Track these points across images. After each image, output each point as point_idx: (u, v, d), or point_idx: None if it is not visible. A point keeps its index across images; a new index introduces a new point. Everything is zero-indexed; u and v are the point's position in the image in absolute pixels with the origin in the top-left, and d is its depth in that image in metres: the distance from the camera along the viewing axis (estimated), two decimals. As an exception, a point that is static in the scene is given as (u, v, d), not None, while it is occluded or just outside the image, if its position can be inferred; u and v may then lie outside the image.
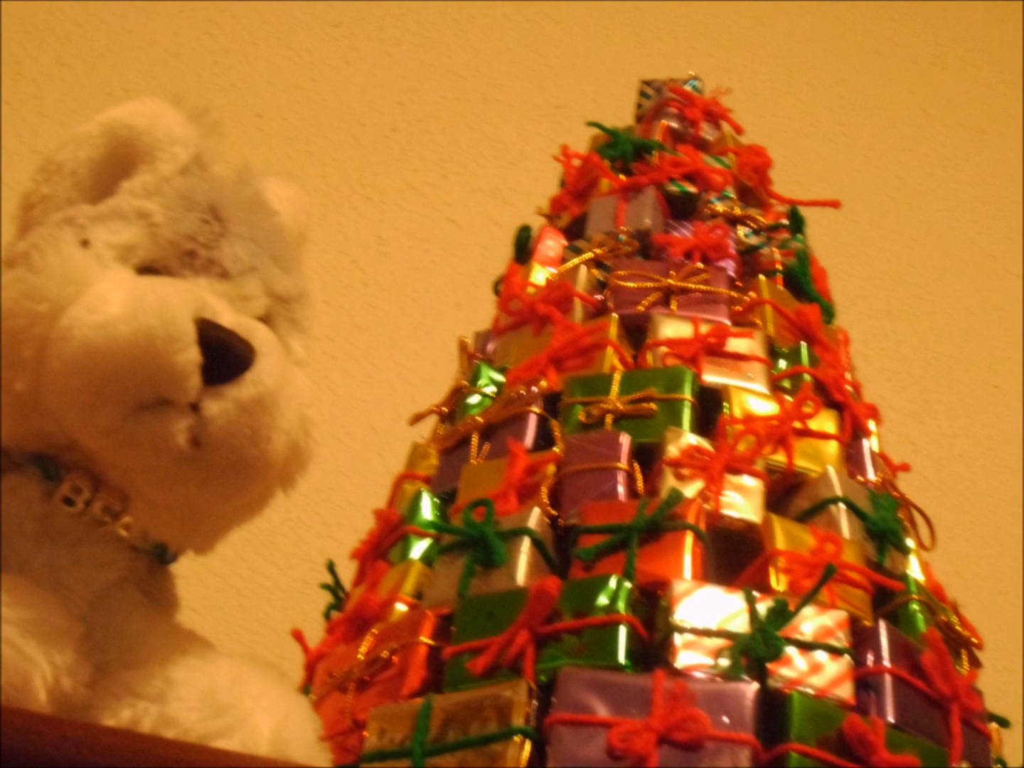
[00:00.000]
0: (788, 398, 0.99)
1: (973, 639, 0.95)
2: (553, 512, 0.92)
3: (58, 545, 0.74)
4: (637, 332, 1.04)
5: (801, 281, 1.13)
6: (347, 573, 1.05)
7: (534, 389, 1.00)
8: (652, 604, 0.84)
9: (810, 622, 0.83)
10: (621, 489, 0.92)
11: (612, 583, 0.83)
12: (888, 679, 0.83)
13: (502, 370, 1.06)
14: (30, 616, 0.69)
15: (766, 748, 0.77)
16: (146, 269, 0.76)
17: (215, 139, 0.83)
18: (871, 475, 1.00)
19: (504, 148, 1.89)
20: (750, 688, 0.78)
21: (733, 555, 0.90)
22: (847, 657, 0.82)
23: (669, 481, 0.91)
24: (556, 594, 0.82)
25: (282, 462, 0.78)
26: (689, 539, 0.86)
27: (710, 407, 0.98)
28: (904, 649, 0.85)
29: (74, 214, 0.77)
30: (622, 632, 0.81)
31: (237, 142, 1.13)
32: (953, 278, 1.96)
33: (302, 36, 1.91)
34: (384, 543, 0.99)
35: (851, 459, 1.00)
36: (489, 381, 1.06)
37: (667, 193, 1.18)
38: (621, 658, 0.80)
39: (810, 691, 0.80)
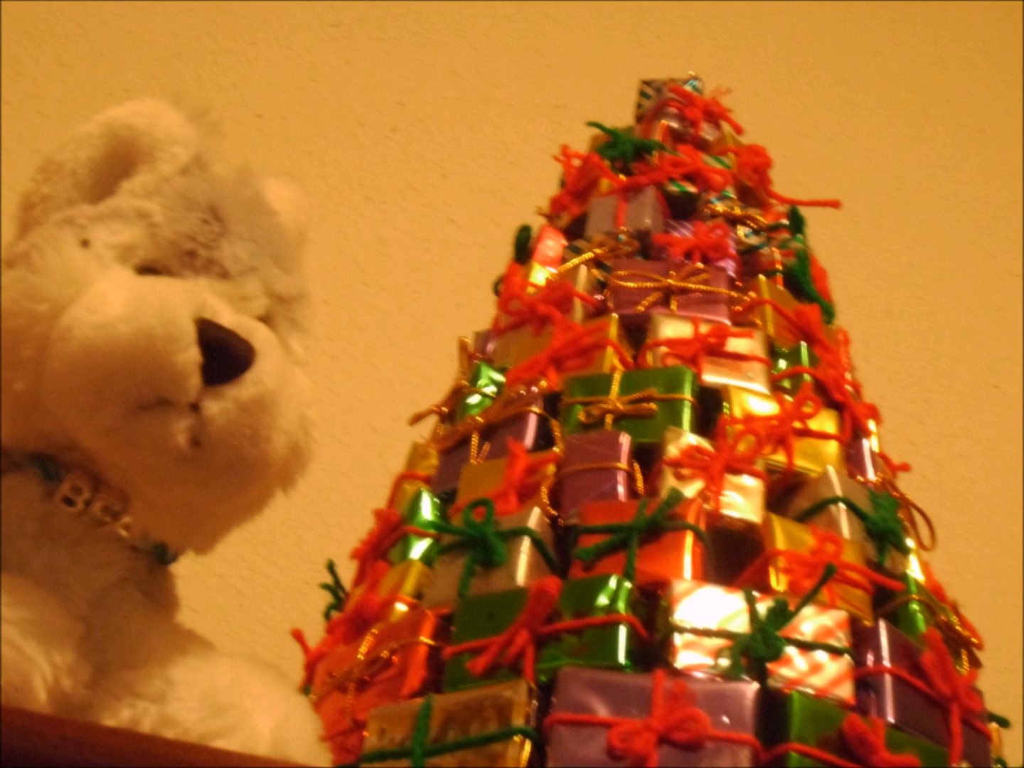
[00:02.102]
0: (788, 398, 0.99)
1: (973, 639, 0.95)
2: (553, 512, 0.92)
3: (58, 545, 0.74)
4: (637, 332, 1.04)
5: (801, 281, 1.13)
6: (347, 573, 1.05)
7: (534, 389, 1.00)
8: (652, 604, 0.84)
9: (810, 622, 0.83)
10: (621, 489, 0.92)
11: (612, 583, 0.83)
12: (888, 679, 0.83)
13: (502, 370, 1.06)
14: (30, 616, 0.69)
15: (766, 748, 0.77)
16: (146, 269, 0.76)
17: (215, 139, 0.83)
18: (871, 475, 1.00)
19: (504, 148, 1.89)
20: (750, 688, 0.78)
21: (733, 555, 0.90)
22: (847, 657, 0.82)
23: (669, 481, 0.91)
24: (556, 594, 0.82)
25: (282, 462, 0.78)
26: (689, 539, 0.86)
27: (710, 407, 0.98)
28: (904, 649, 0.85)
29: (74, 214, 0.77)
30: (622, 632, 0.81)
31: (237, 142, 1.13)
32: (953, 278, 1.96)
33: (302, 36, 1.91)
34: (384, 543, 0.99)
35: (851, 459, 1.00)
36: (489, 381, 1.06)
37: (667, 193, 1.18)
38: (621, 658, 0.80)
39: (810, 691, 0.80)
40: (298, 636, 1.03)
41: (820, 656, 0.82)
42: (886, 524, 0.93)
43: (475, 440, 1.00)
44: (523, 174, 1.84)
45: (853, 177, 1.99)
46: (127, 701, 0.71)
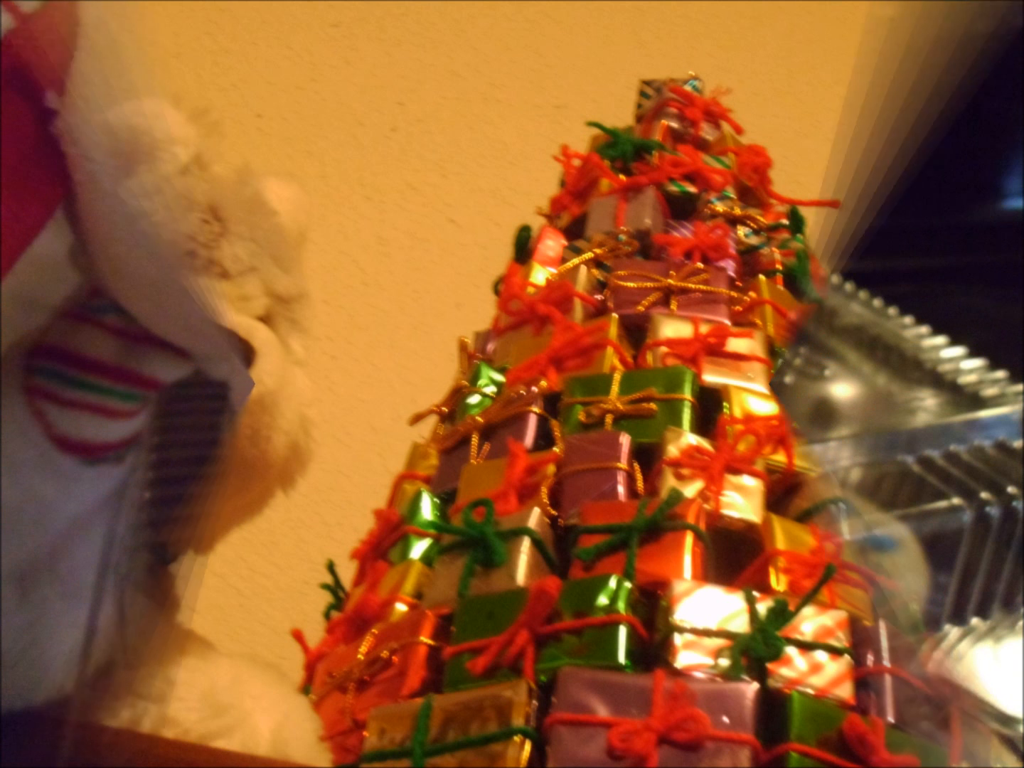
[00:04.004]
0: (788, 398, 0.99)
1: (973, 639, 0.95)
2: (553, 512, 0.92)
3: (58, 545, 0.74)
4: (637, 332, 1.04)
5: (801, 281, 1.13)
6: (347, 573, 1.05)
7: (534, 389, 1.00)
8: (652, 604, 0.84)
9: (810, 622, 0.83)
10: (621, 489, 0.92)
11: (612, 583, 0.83)
12: (888, 679, 0.83)
13: (502, 370, 1.06)
14: (30, 616, 0.69)
15: (766, 748, 0.77)
16: (146, 269, 0.76)
17: (215, 139, 0.83)
18: (871, 475, 1.00)
19: (504, 148, 1.90)
20: (750, 688, 0.78)
21: (733, 555, 0.90)
22: (847, 657, 0.82)
23: (669, 481, 0.91)
24: (556, 594, 0.82)
25: (282, 462, 0.78)
26: (689, 539, 0.86)
27: (710, 407, 0.98)
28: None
29: (74, 214, 0.77)
30: (622, 632, 0.81)
31: (237, 142, 1.13)
32: (953, 278, 1.96)
33: (302, 36, 1.91)
34: (384, 543, 0.99)
35: (851, 459, 1.00)
36: (489, 381, 1.06)
37: (667, 193, 1.18)
38: (621, 658, 0.80)
39: (810, 691, 0.80)
40: (298, 636, 1.03)
41: (820, 656, 0.82)
42: (886, 524, 0.93)
43: (475, 440, 1.00)
44: (523, 174, 1.84)
45: (853, 177, 1.99)
46: (127, 701, 0.71)
